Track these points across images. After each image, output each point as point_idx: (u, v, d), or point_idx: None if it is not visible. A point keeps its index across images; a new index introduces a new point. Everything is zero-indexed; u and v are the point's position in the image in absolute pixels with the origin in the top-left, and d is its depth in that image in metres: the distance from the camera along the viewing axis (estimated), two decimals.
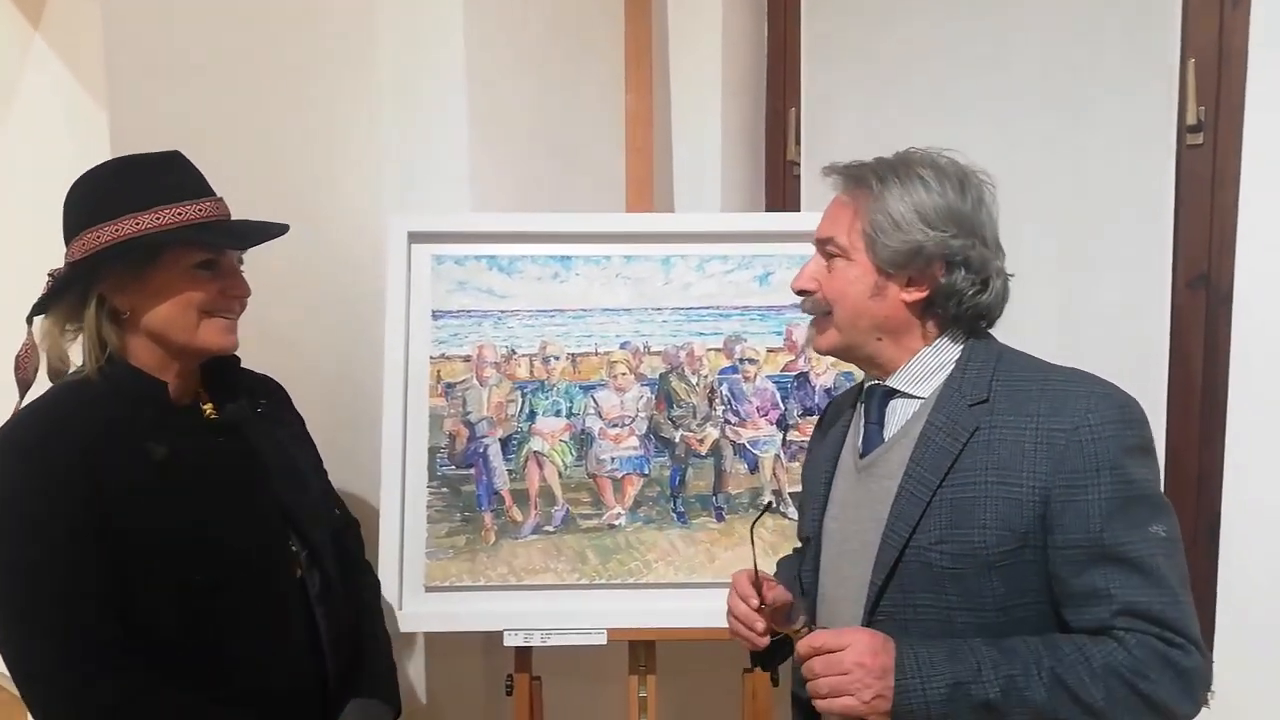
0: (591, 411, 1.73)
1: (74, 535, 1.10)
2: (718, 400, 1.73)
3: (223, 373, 1.30)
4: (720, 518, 1.71)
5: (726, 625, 1.23)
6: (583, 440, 1.73)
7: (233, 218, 1.25)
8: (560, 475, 1.72)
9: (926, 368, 1.15)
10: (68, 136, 1.62)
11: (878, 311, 1.15)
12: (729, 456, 1.73)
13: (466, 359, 1.73)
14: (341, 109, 1.84)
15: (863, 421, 1.21)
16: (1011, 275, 1.15)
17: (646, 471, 1.71)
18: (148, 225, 1.17)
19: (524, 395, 1.73)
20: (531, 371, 1.72)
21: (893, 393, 1.18)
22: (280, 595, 1.25)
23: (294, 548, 1.28)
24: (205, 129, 1.54)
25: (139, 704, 1.11)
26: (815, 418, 1.63)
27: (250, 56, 1.66)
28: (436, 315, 1.74)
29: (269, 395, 1.39)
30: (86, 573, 1.10)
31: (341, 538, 1.40)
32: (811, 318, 1.21)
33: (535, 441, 1.73)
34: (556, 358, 1.73)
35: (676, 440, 1.73)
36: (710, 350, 1.73)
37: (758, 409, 1.73)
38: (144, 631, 1.12)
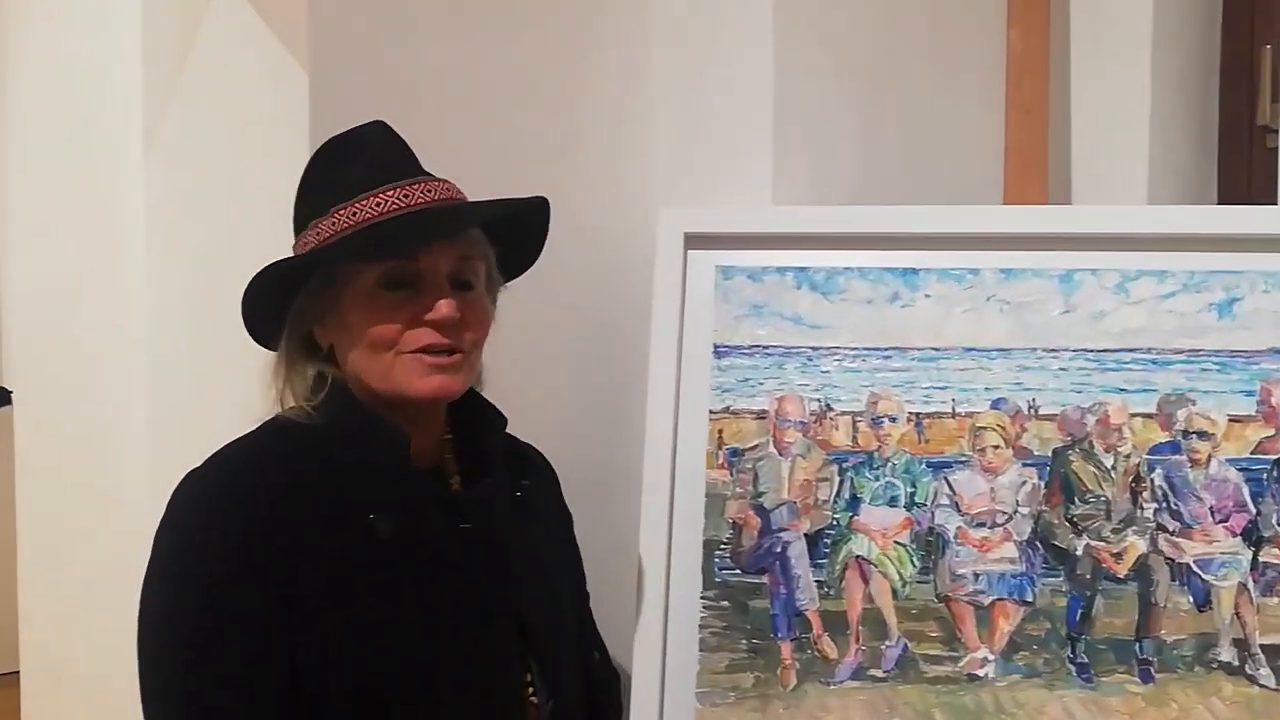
0: (945, 502, 1.61)
1: (245, 618, 1.12)
2: (1147, 494, 1.58)
3: (478, 432, 1.30)
4: (1148, 677, 1.53)
5: None
6: (931, 544, 1.60)
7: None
8: (896, 594, 1.60)
9: None
10: (262, 102, 1.66)
11: None
12: (1163, 582, 1.56)
13: (761, 415, 1.64)
14: (595, 65, 1.86)
15: None
16: None
17: (1029, 598, 1.57)
18: (325, 235, 1.20)
19: (843, 472, 1.63)
20: (855, 438, 1.63)
21: None
22: None
23: (530, 691, 1.28)
24: (419, 94, 1.59)
25: None
26: None
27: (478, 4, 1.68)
28: (720, 352, 1.67)
29: (535, 474, 1.40)
30: (251, 667, 1.12)
31: (595, 693, 1.42)
32: None
33: (859, 542, 1.62)
34: (893, 419, 1.63)
35: (1078, 552, 1.57)
36: (1136, 416, 1.59)
37: (1212, 510, 1.56)
38: None
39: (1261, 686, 1.50)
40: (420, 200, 1.20)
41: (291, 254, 1.24)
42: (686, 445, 1.65)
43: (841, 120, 1.87)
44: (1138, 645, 1.53)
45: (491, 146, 1.62)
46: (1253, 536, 1.53)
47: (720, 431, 1.64)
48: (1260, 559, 1.53)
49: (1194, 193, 1.99)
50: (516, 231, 1.29)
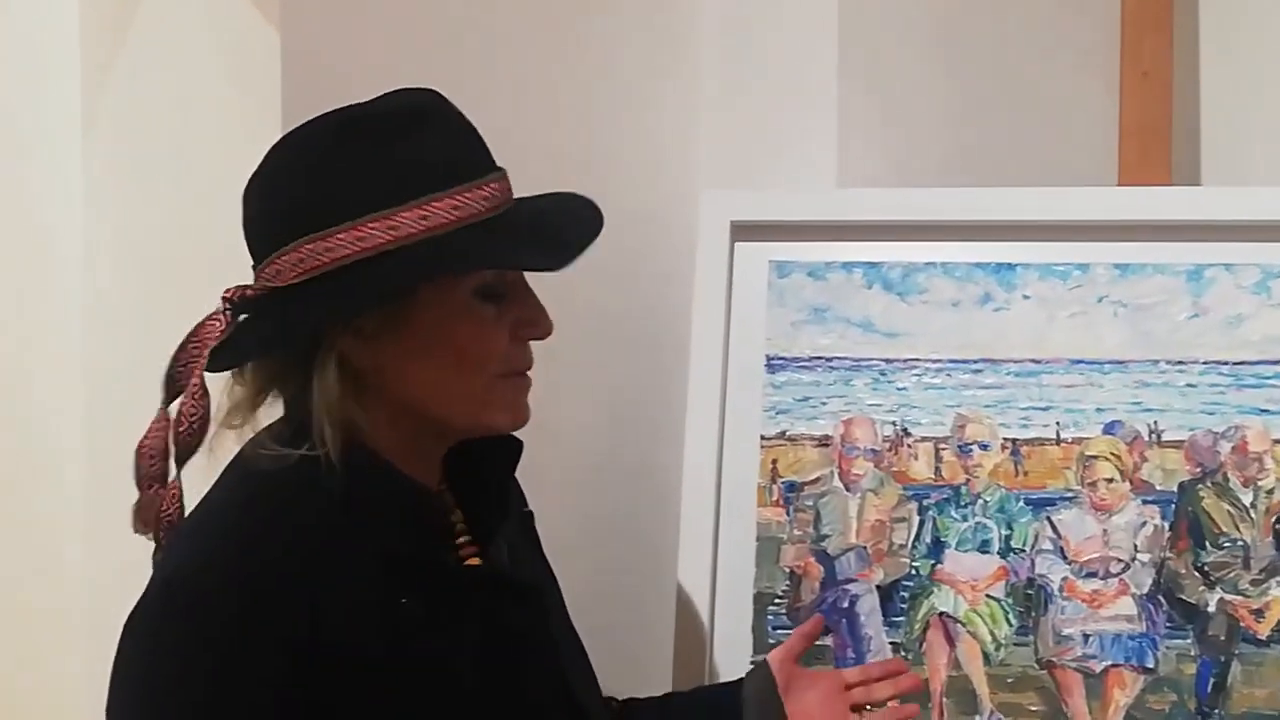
0: (1048, 547, 1.56)
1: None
2: None
3: (473, 459, 1.25)
4: None
5: None
6: (1031, 599, 1.55)
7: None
8: (988, 660, 1.53)
9: None
10: (221, 69, 1.60)
11: None
12: None
13: (824, 442, 1.60)
14: (626, 13, 1.81)
15: None
16: None
17: (1151, 664, 1.51)
18: (410, 230, 1.09)
19: (924, 511, 1.58)
20: (938, 469, 1.59)
21: None
22: None
23: None
24: (422, 53, 1.53)
25: None
26: None
27: None
28: (774, 365, 1.63)
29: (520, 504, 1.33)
30: None
31: None
32: None
33: (943, 596, 1.56)
34: (985, 446, 1.58)
35: (1211, 609, 1.52)
36: None
37: None
38: None
39: None
40: (509, 196, 1.16)
41: (302, 255, 1.12)
42: (733, 478, 1.62)
43: (921, 87, 1.85)
44: None
45: (502, 112, 1.50)
46: None
47: (775, 461, 1.60)
48: None
49: None
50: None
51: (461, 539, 1.22)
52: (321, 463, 1.10)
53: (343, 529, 1.11)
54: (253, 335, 1.13)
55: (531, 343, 1.20)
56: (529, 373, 1.19)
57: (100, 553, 1.54)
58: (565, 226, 1.18)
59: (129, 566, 1.14)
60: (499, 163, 1.20)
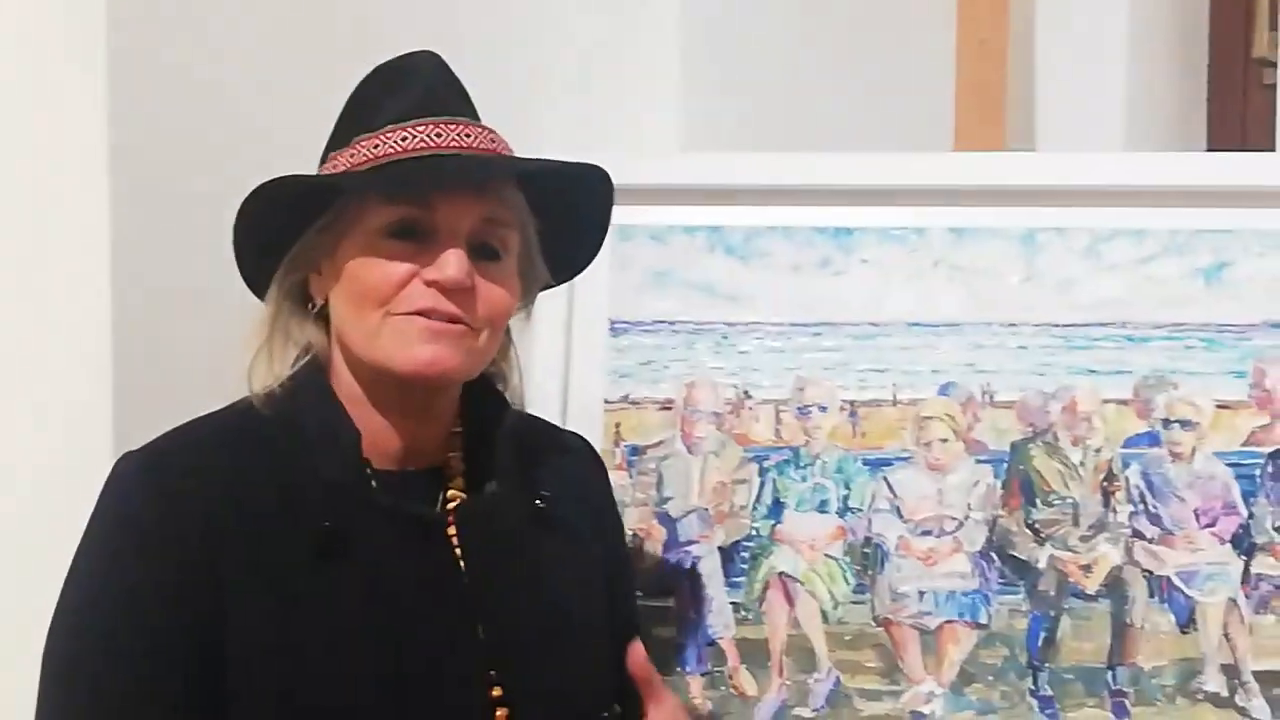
0: (885, 506, 1.59)
1: (154, 633, 1.09)
2: (1120, 494, 1.56)
3: (486, 426, 1.26)
4: (1122, 711, 1.51)
5: None
6: (868, 557, 1.57)
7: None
8: (826, 618, 1.56)
9: None
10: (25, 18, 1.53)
11: None
12: (1140, 599, 1.53)
13: (666, 406, 1.61)
14: None
15: None
16: None
17: (983, 620, 1.54)
18: (340, 169, 1.18)
19: (764, 472, 1.59)
20: (778, 431, 1.60)
21: None
22: None
23: None
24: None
25: None
26: None
27: None
28: (617, 329, 1.63)
29: (568, 477, 1.33)
30: (157, 693, 1.10)
31: None
32: None
33: (782, 556, 1.58)
34: (823, 408, 1.60)
35: (1041, 565, 1.55)
36: (1108, 403, 1.58)
37: (1197, 513, 1.55)
38: None
39: None
40: (455, 144, 1.18)
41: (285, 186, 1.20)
42: None
43: (763, 52, 1.88)
44: (1110, 674, 1.51)
45: (342, 77, 1.47)
46: (1244, 544, 1.52)
47: (618, 425, 1.61)
48: (1252, 570, 1.52)
49: (1178, 138, 2.05)
50: (567, 210, 1.25)
51: (453, 490, 1.23)
52: (277, 393, 1.17)
53: (275, 455, 1.15)
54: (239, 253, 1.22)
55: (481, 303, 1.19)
56: (466, 326, 1.19)
57: None
58: (464, 169, 1.18)
59: None
60: None
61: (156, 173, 1.42)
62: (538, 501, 1.28)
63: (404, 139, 1.18)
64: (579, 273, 1.34)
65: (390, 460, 1.20)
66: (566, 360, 1.61)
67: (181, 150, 1.41)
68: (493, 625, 1.22)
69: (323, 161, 1.24)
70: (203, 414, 1.21)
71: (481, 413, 1.26)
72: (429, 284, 1.16)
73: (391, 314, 1.16)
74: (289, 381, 1.20)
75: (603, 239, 1.32)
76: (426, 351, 1.16)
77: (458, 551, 1.22)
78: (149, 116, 1.37)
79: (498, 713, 1.19)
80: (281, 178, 1.19)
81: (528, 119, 1.77)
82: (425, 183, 1.17)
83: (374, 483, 1.19)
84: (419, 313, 1.16)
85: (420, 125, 1.19)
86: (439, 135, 1.19)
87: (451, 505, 1.23)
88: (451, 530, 1.22)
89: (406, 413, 1.20)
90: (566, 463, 1.35)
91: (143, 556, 1.12)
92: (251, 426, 1.19)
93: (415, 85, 1.23)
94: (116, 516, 1.15)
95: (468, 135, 1.19)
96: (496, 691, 1.19)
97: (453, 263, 1.15)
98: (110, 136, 1.41)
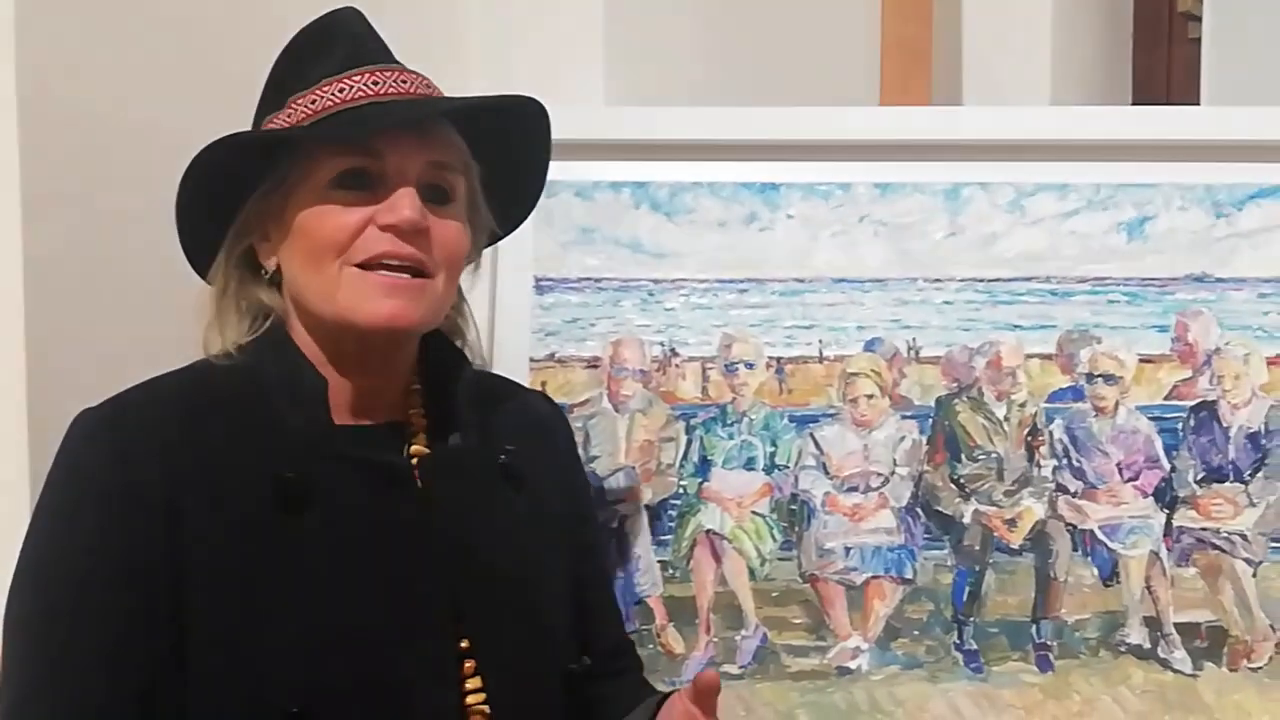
0: (811, 463, 1.60)
1: (115, 585, 1.10)
2: (1044, 449, 1.59)
3: (445, 381, 1.27)
4: (1046, 664, 1.54)
5: None
6: (794, 514, 1.59)
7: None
8: (753, 575, 1.58)
9: None
10: None
11: None
12: (1063, 553, 1.56)
13: (592, 364, 1.63)
14: None
15: None
16: None
17: (909, 575, 1.58)
18: (275, 125, 1.19)
19: (691, 430, 1.61)
20: (705, 389, 1.62)
21: None
22: None
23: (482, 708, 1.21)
24: None
25: None
26: (1230, 484, 1.55)
27: None
28: (543, 286, 1.64)
29: (531, 434, 1.33)
30: (120, 644, 1.10)
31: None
32: None
33: (709, 513, 1.60)
34: (750, 365, 1.62)
35: (966, 520, 1.58)
36: (1032, 358, 1.60)
37: (1120, 467, 1.58)
38: None
39: (1175, 672, 1.51)
40: (393, 90, 1.18)
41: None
42: None
43: (688, 6, 1.85)
44: (1034, 627, 1.54)
45: (254, 36, 1.45)
46: (1166, 497, 1.55)
47: (544, 384, 1.61)
48: (1174, 523, 1.54)
49: (1103, 92, 2.02)
50: (507, 152, 1.27)
51: (416, 445, 1.23)
52: (239, 355, 1.18)
53: (237, 406, 1.16)
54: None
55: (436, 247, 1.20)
56: (424, 276, 1.20)
57: None
58: (411, 108, 1.19)
59: None
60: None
61: (70, 156, 1.39)
62: (502, 456, 1.28)
63: (341, 90, 1.18)
64: (522, 221, 1.34)
65: (350, 415, 1.20)
66: (492, 318, 1.60)
67: (96, 110, 1.38)
68: (459, 576, 1.23)
69: (256, 127, 1.23)
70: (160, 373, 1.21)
71: (440, 368, 1.27)
72: (384, 228, 1.16)
73: (348, 264, 1.16)
74: (249, 343, 1.20)
75: (543, 182, 1.32)
76: (387, 306, 1.17)
77: (423, 503, 1.23)
78: (60, 101, 1.34)
79: (465, 664, 1.20)
80: (228, 135, 1.17)
81: (450, 75, 1.70)
82: (374, 125, 1.16)
83: (339, 433, 1.21)
84: (377, 258, 1.16)
85: (356, 75, 1.19)
86: (376, 84, 1.19)
87: (415, 460, 1.23)
88: (418, 483, 1.23)
89: (365, 368, 1.21)
90: (529, 420, 1.36)
91: (103, 508, 1.12)
92: (213, 381, 1.19)
93: (344, 39, 1.22)
94: (74, 470, 1.15)
95: (404, 81, 1.20)
96: (465, 644, 1.20)
97: (406, 203, 1.15)
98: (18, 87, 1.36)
